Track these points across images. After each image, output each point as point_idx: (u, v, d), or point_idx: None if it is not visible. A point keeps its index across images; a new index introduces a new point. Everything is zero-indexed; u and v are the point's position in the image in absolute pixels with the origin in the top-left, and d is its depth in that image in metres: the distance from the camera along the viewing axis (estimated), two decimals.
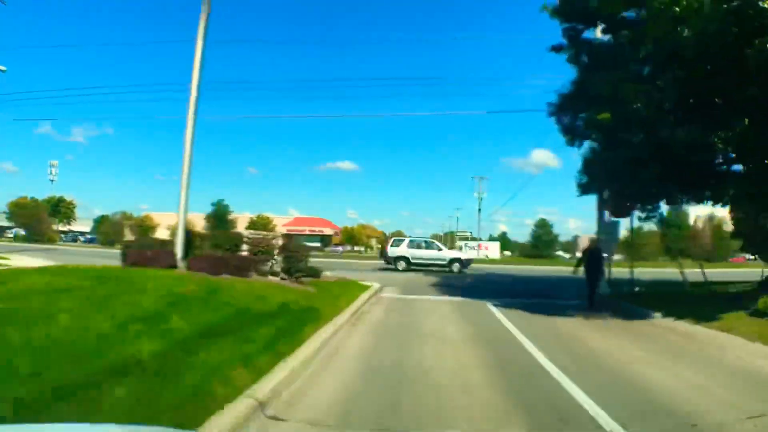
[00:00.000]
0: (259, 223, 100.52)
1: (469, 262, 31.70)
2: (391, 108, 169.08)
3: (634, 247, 28.76)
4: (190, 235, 15.97)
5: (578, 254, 21.68)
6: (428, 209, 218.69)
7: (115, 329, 6.83)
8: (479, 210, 46.87)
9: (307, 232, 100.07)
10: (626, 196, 15.02)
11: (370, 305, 13.96)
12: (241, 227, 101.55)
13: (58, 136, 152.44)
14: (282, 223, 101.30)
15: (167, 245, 15.97)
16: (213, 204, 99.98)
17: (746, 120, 11.81)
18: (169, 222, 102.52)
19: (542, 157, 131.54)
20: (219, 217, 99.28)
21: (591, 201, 18.95)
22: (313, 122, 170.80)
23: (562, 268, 33.01)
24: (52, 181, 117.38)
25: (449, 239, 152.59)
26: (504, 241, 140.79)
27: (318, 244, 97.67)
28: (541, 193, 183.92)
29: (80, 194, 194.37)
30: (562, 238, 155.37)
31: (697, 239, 70.46)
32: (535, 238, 75.06)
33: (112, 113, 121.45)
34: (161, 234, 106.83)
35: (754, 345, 9.24)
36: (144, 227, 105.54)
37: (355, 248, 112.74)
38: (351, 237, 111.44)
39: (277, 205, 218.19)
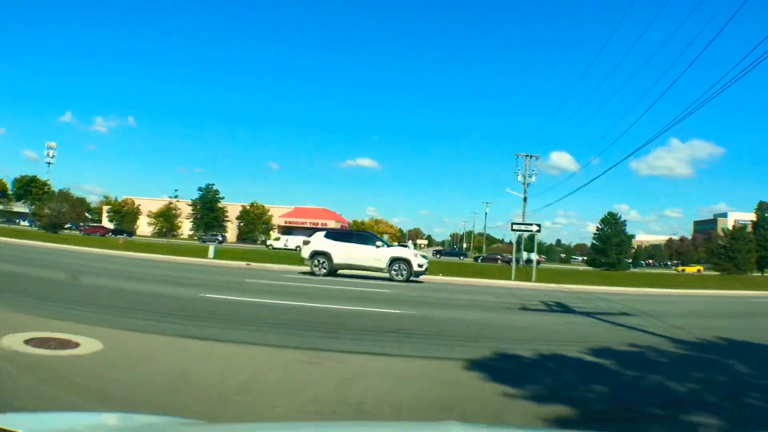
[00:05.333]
0: (253, 213, 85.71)
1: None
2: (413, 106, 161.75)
3: None
4: None
5: None
6: (448, 208, 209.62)
7: None
8: (525, 199, 31.23)
9: (308, 225, 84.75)
10: None
11: None
12: (232, 217, 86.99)
13: (80, 125, 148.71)
14: (279, 213, 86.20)
15: None
16: (200, 189, 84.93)
17: None
18: (151, 207, 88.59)
19: (561, 159, 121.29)
20: (206, 203, 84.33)
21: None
22: (334, 119, 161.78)
23: None
24: (49, 163, 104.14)
25: (472, 239, 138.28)
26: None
27: None
28: (556, 194, 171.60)
29: (104, 183, 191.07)
30: (590, 240, 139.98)
31: None
32: (601, 239, 56.50)
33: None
34: (142, 221, 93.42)
35: None
36: (124, 212, 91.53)
37: None
38: None
39: (296, 200, 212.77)
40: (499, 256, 66.59)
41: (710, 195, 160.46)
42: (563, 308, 13.49)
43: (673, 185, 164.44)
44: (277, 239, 66.60)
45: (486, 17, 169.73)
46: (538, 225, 26.23)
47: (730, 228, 78.94)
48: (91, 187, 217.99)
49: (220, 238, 71.55)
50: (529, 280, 25.87)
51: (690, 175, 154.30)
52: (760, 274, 57.79)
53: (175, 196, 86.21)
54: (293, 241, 58.64)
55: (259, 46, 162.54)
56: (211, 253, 31.71)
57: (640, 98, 49.29)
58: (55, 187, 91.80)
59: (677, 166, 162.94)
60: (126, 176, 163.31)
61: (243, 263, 25.63)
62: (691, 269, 77.55)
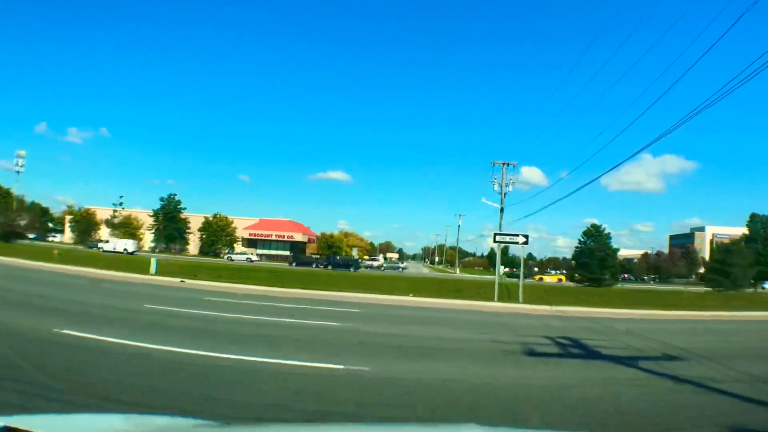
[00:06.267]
0: (216, 225, 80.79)
1: None
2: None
3: None
4: None
5: None
6: (420, 222, 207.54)
7: None
8: (502, 209, 28.16)
9: (273, 237, 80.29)
10: None
11: None
12: (194, 228, 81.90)
13: (55, 135, 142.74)
14: (244, 225, 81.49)
15: None
16: (162, 200, 79.89)
17: None
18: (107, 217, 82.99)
19: (532, 174, 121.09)
20: (168, 214, 79.20)
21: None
22: (306, 131, 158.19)
23: None
24: (18, 172, 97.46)
25: (444, 253, 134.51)
26: (507, 259, 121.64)
27: (286, 253, 78.07)
28: (525, 210, 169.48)
29: (77, 194, 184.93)
30: (560, 255, 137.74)
31: None
32: (583, 253, 51.81)
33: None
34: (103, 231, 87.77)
35: None
36: (83, 222, 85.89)
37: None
38: (330, 246, 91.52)
39: (267, 213, 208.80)
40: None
41: (682, 209, 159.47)
42: (582, 348, 9.89)
43: (645, 199, 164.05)
44: (107, 242, 65.59)
45: (459, 29, 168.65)
46: (526, 236, 22.72)
47: (708, 242, 77.21)
48: (65, 198, 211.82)
49: (100, 245, 69.10)
50: (515, 300, 22.41)
51: (661, 190, 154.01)
52: (753, 290, 54.72)
53: (120, 204, 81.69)
54: (120, 244, 61.65)
55: (233, 60, 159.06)
56: (152, 268, 27.61)
57: (620, 115, 46.78)
58: (29, 198, 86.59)
59: (648, 181, 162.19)
60: (99, 187, 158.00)
61: (178, 280, 21.66)
62: (552, 278, 74.69)
